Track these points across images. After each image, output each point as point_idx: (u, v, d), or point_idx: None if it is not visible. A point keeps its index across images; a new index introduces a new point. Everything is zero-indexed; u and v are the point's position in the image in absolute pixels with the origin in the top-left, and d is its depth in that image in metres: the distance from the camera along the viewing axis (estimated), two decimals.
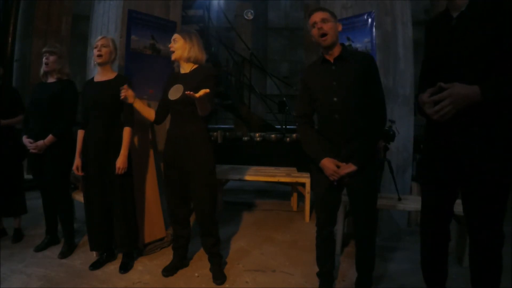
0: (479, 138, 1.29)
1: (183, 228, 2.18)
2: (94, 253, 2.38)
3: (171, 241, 2.47)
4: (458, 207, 1.43)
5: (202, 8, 6.04)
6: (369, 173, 1.72)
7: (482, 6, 1.28)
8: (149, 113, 2.12)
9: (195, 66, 2.07)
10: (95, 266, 2.24)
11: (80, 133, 2.28)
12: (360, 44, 3.13)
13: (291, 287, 2.05)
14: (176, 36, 2.04)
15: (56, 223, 2.60)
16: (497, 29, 1.23)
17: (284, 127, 6.11)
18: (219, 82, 5.90)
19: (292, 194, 3.82)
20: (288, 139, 4.85)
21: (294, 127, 6.42)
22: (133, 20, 2.91)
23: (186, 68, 2.07)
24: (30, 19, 4.75)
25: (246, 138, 5.05)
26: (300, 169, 3.76)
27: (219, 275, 2.10)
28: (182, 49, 2.02)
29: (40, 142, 2.32)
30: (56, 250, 2.48)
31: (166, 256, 2.41)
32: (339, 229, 2.48)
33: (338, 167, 1.68)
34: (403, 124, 3.04)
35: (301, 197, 3.63)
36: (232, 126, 7.83)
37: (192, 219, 2.25)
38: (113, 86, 2.18)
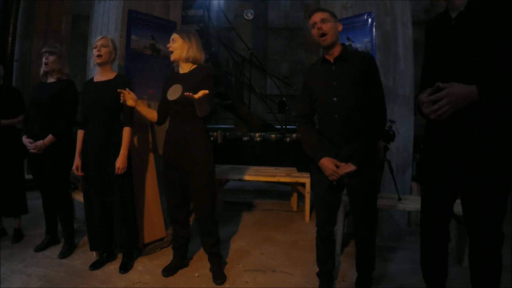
0: (478, 138, 1.29)
1: (183, 228, 2.18)
2: (94, 253, 2.38)
3: (171, 241, 2.47)
4: (458, 207, 1.43)
5: (202, 8, 6.04)
6: (369, 173, 1.72)
7: (481, 6, 1.28)
8: (152, 115, 2.12)
9: (194, 66, 2.06)
10: (95, 266, 2.24)
11: (80, 133, 2.28)
12: (360, 44, 3.13)
13: (291, 287, 2.05)
14: (174, 36, 2.04)
15: (56, 223, 2.60)
16: (495, 29, 1.23)
17: (284, 127, 6.11)
18: (219, 82, 5.91)
19: (292, 194, 3.82)
20: (288, 139, 4.85)
21: (294, 127, 6.42)
22: (133, 20, 2.91)
23: (185, 68, 2.06)
24: (30, 19, 4.75)
25: (246, 138, 5.05)
26: (300, 169, 3.76)
27: (219, 275, 2.10)
28: (180, 49, 2.01)
29: (40, 142, 2.32)
30: (56, 250, 2.48)
31: (166, 256, 2.41)
32: (339, 229, 2.48)
33: (338, 167, 1.68)
34: (403, 124, 3.04)
35: (301, 197, 3.63)
36: (232, 126, 7.83)
37: (192, 219, 2.25)
38: (113, 86, 2.18)
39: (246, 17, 7.67)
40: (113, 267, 2.27)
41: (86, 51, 3.17)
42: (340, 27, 1.74)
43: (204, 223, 2.08)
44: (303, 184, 3.43)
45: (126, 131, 2.17)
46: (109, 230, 2.27)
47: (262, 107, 7.57)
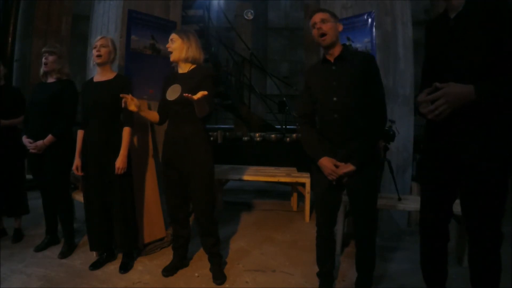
0: (478, 138, 1.29)
1: (182, 228, 2.18)
2: (94, 253, 2.38)
3: (171, 241, 2.47)
4: (458, 207, 1.43)
5: (202, 8, 6.04)
6: (369, 173, 1.72)
7: (479, 7, 1.29)
8: (154, 117, 2.10)
9: (193, 66, 2.05)
10: (95, 266, 2.24)
11: (80, 133, 2.28)
12: (360, 44, 3.13)
13: (291, 287, 2.05)
14: (173, 36, 2.03)
15: (56, 223, 2.60)
16: (494, 29, 1.23)
17: (284, 127, 6.11)
18: (218, 82, 5.91)
19: (292, 194, 3.82)
20: (288, 139, 4.85)
21: (294, 127, 6.43)
22: (133, 20, 2.91)
23: (184, 68, 2.06)
24: (30, 19, 4.75)
25: (246, 138, 5.05)
26: (300, 169, 3.76)
27: (219, 275, 2.10)
28: (180, 49, 2.00)
29: (40, 142, 2.32)
30: (56, 250, 2.48)
31: (166, 256, 2.41)
32: (339, 229, 2.48)
33: (337, 166, 1.68)
34: (403, 124, 3.04)
35: (301, 197, 3.62)
36: (232, 126, 7.83)
37: (192, 219, 2.25)
38: (112, 86, 2.19)
39: (246, 17, 7.67)
40: (113, 267, 2.27)
41: (86, 51, 3.17)
42: (340, 27, 1.74)
43: (203, 223, 2.08)
44: (303, 184, 3.43)
45: (126, 131, 2.17)
46: (109, 230, 2.27)
47: (262, 107, 7.57)
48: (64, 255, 2.40)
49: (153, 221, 2.62)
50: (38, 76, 2.49)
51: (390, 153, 2.79)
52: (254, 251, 2.56)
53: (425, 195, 1.52)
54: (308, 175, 3.40)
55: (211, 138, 4.82)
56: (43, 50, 2.43)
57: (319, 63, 1.83)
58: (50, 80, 2.45)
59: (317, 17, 1.70)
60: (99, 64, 2.22)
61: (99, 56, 2.18)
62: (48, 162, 2.38)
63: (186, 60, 2.03)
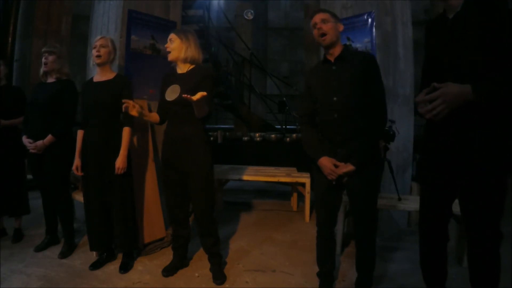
0: (476, 138, 1.29)
1: (182, 228, 2.18)
2: (94, 253, 2.38)
3: (171, 241, 2.47)
4: (458, 206, 1.44)
5: (202, 8, 6.04)
6: (369, 173, 1.72)
7: (477, 7, 1.29)
8: (155, 118, 2.10)
9: (192, 66, 2.05)
10: (95, 266, 2.24)
11: (80, 133, 2.28)
12: (360, 44, 3.13)
13: (291, 287, 2.05)
14: (172, 36, 2.02)
15: (56, 223, 2.60)
16: (492, 29, 1.23)
17: (284, 127, 6.11)
18: (218, 82, 5.91)
19: (292, 194, 3.82)
20: (288, 139, 4.85)
21: (294, 127, 6.43)
22: (133, 20, 2.91)
23: (183, 68, 2.05)
24: (30, 19, 4.75)
25: (246, 138, 5.05)
26: (300, 169, 3.76)
27: (219, 275, 2.10)
28: (178, 49, 2.00)
29: (40, 142, 2.32)
30: (56, 250, 2.48)
31: (166, 256, 2.41)
32: (339, 229, 2.48)
33: (337, 166, 1.68)
34: (403, 124, 3.04)
35: (301, 197, 3.62)
36: (232, 126, 7.83)
37: (192, 219, 2.25)
38: (112, 86, 2.19)
39: (246, 17, 7.67)
40: (113, 267, 2.27)
41: (86, 51, 3.17)
42: (341, 28, 1.75)
43: (203, 223, 2.08)
44: (303, 184, 3.43)
45: (126, 131, 2.17)
46: (109, 230, 2.27)
47: (262, 107, 7.57)
48: (64, 255, 2.40)
49: (153, 221, 2.62)
50: (38, 76, 2.49)
51: (390, 153, 2.79)
52: (254, 251, 2.56)
53: (424, 195, 1.53)
54: (308, 175, 3.41)
55: (211, 138, 4.85)
56: (43, 50, 2.44)
57: (320, 63, 1.84)
58: (50, 80, 2.45)
59: (318, 17, 1.71)
60: (98, 64, 2.22)
61: (98, 56, 2.18)
62: (48, 162, 2.38)
63: (185, 60, 2.03)
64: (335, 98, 1.69)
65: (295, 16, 9.89)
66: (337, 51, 1.73)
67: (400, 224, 3.08)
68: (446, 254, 1.53)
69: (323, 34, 1.69)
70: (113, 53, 2.25)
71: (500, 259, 1.34)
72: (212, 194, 2.08)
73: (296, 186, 3.65)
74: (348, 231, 2.74)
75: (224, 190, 3.88)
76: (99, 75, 2.26)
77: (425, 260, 1.56)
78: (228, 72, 7.11)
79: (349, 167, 1.65)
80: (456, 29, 1.33)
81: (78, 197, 2.81)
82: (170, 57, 2.02)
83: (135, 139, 2.51)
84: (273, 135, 4.97)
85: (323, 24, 1.69)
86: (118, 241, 2.26)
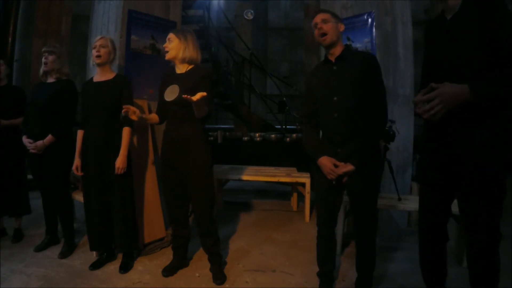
0: (475, 138, 1.29)
1: (182, 228, 2.18)
2: (94, 253, 2.38)
3: (171, 241, 2.47)
4: (457, 206, 1.44)
5: (202, 8, 6.04)
6: (369, 173, 1.72)
7: (475, 7, 1.29)
8: (155, 119, 2.11)
9: (191, 66, 2.05)
10: (95, 266, 2.24)
11: (80, 133, 2.28)
12: (360, 44, 3.13)
13: (291, 287, 2.05)
14: (171, 35, 2.02)
15: (56, 223, 2.60)
16: (490, 29, 1.23)
17: (284, 127, 6.11)
18: (218, 82, 5.91)
19: (292, 194, 3.82)
20: (288, 139, 4.85)
21: (294, 127, 6.43)
22: (133, 20, 2.91)
23: (181, 68, 2.05)
24: (30, 19, 4.75)
25: (246, 138, 5.05)
26: (300, 169, 3.76)
27: (219, 275, 2.10)
28: (176, 49, 2.00)
29: (40, 142, 2.32)
30: (56, 250, 2.48)
31: (166, 256, 2.41)
32: (339, 229, 2.48)
33: (337, 166, 1.68)
34: (403, 124, 3.04)
35: (301, 197, 3.63)
36: (232, 126, 7.83)
37: (192, 219, 2.25)
38: (112, 86, 2.19)
39: (246, 17, 7.67)
40: (113, 267, 2.27)
41: (86, 51, 3.17)
42: (342, 28, 1.76)
43: (203, 223, 2.08)
44: (303, 184, 3.43)
45: (126, 131, 2.16)
46: (109, 230, 2.27)
47: (262, 107, 7.57)
48: (64, 255, 2.40)
49: (153, 221, 2.62)
50: (38, 76, 2.49)
51: (390, 153, 2.79)
52: (254, 251, 2.56)
53: (423, 194, 1.53)
54: (308, 175, 3.41)
55: (211, 138, 4.86)
56: (43, 50, 2.44)
57: (321, 63, 1.85)
58: (50, 80, 2.45)
59: (318, 17, 1.73)
60: (98, 65, 2.22)
61: (98, 56, 2.18)
62: (48, 162, 2.38)
63: (183, 60, 2.02)
64: (335, 98, 1.70)
65: (295, 16, 9.89)
66: (337, 51, 1.74)
67: (400, 224, 3.08)
68: (446, 254, 1.53)
69: (324, 34, 1.69)
70: (113, 53, 2.25)
71: (500, 259, 1.34)
72: (212, 194, 2.08)
73: (296, 186, 3.65)
74: (348, 231, 2.74)
75: (224, 190, 3.88)
76: (99, 75, 2.26)
77: (424, 260, 1.56)
78: (228, 72, 7.11)
79: (349, 167, 1.65)
80: (455, 29, 1.33)
81: (78, 197, 2.81)
82: (168, 56, 2.02)
83: (135, 139, 2.51)
84: (273, 135, 4.97)
85: (323, 24, 1.70)
86: (118, 241, 2.26)
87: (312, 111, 1.84)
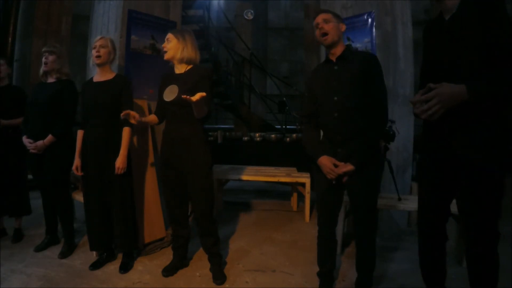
0: (474, 138, 1.29)
1: (182, 228, 2.18)
2: (94, 253, 2.38)
3: (171, 241, 2.47)
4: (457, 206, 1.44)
5: (202, 8, 6.04)
6: (369, 173, 1.72)
7: (473, 7, 1.29)
8: (154, 120, 2.12)
9: (190, 66, 2.04)
10: (95, 266, 2.24)
11: (80, 133, 2.28)
12: (360, 44, 3.13)
13: (291, 287, 2.05)
14: (169, 35, 2.02)
15: (56, 223, 2.60)
16: (487, 29, 1.24)
17: (284, 127, 6.11)
18: (218, 82, 5.91)
19: (292, 194, 3.82)
20: (288, 139, 4.85)
21: (294, 127, 6.43)
22: (133, 20, 2.91)
23: (180, 68, 2.05)
24: (30, 19, 4.75)
25: (246, 138, 5.05)
26: (300, 169, 3.76)
27: (219, 275, 2.10)
28: (174, 49, 2.00)
29: (40, 142, 2.32)
30: (56, 250, 2.48)
31: (166, 256, 2.41)
32: (339, 229, 2.47)
33: (336, 166, 1.68)
34: (403, 124, 3.04)
35: (301, 197, 3.63)
36: (232, 126, 7.83)
37: (192, 218, 2.25)
38: (112, 86, 2.19)
39: (246, 17, 7.67)
40: (113, 267, 2.27)
41: (86, 51, 3.17)
42: (343, 27, 1.77)
43: (203, 223, 2.08)
44: (303, 184, 3.43)
45: (126, 131, 2.17)
46: (109, 230, 2.27)
47: (262, 107, 7.57)
48: (64, 255, 2.40)
49: (153, 221, 2.62)
50: (38, 76, 2.49)
51: (390, 153, 2.79)
52: (254, 251, 2.56)
53: (423, 194, 1.53)
54: (308, 175, 3.41)
55: (211, 138, 4.85)
56: (43, 50, 2.44)
57: (322, 63, 1.86)
58: (50, 80, 2.45)
59: (320, 17, 1.74)
60: (98, 65, 2.22)
61: (98, 56, 2.18)
62: (48, 162, 2.38)
63: (181, 61, 2.02)
64: (335, 98, 1.70)
65: (295, 16, 9.90)
66: (338, 51, 1.74)
67: (400, 224, 3.08)
68: (445, 254, 1.53)
69: (325, 34, 1.70)
70: (112, 53, 2.25)
71: (499, 258, 1.34)
72: (212, 194, 2.08)
73: (296, 186, 3.65)
74: (348, 231, 2.74)
75: (224, 190, 3.88)
76: (99, 75, 2.26)
77: (424, 259, 1.56)
78: (228, 72, 7.11)
79: (349, 167, 1.65)
80: (453, 30, 1.33)
81: (78, 197, 2.81)
82: (166, 56, 2.02)
83: (135, 139, 2.51)
84: (273, 135, 4.97)
85: (324, 24, 1.71)
86: (118, 241, 2.27)
87: (313, 111, 1.84)
